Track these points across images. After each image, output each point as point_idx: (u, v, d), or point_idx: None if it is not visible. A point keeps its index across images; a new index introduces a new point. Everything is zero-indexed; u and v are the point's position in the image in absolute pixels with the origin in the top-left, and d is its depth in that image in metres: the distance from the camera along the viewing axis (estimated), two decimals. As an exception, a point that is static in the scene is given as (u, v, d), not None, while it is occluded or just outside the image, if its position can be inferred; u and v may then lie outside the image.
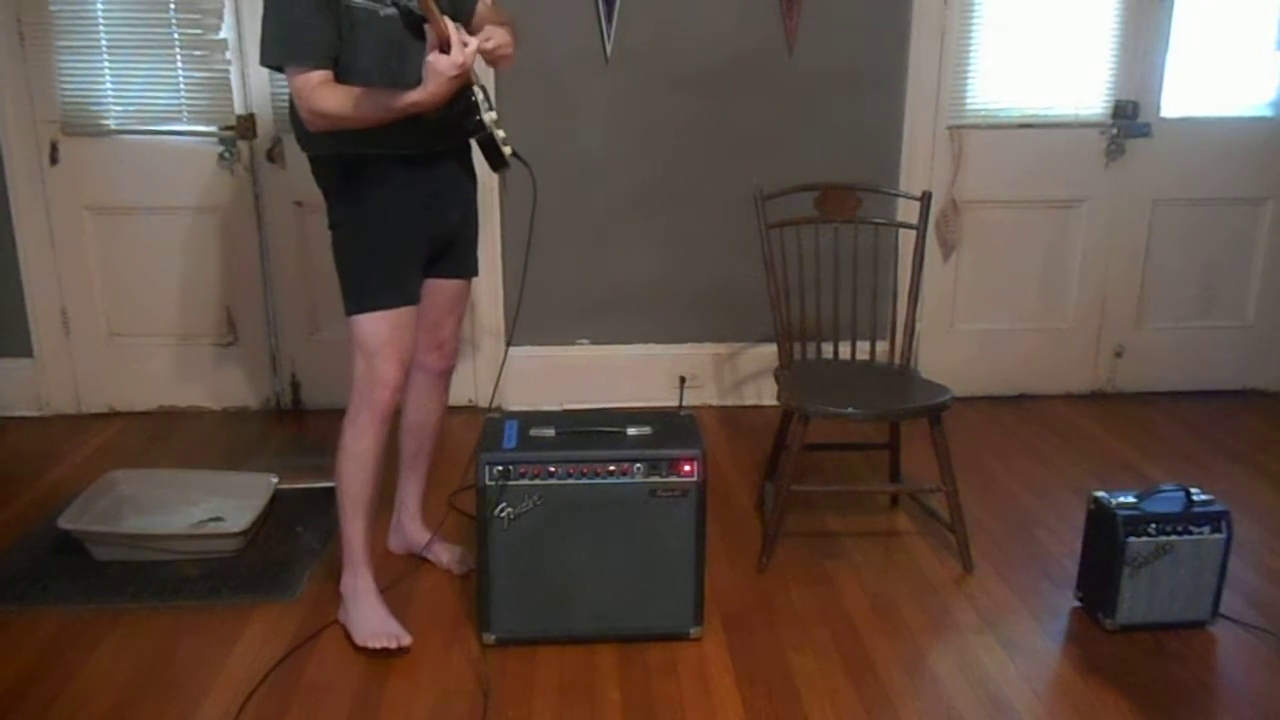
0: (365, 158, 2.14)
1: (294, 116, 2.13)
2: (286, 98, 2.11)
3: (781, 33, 3.45)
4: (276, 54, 2.02)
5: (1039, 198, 3.69)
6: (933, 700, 2.09)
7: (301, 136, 2.16)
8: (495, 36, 2.11)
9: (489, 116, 2.10)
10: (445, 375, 2.52)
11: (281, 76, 2.04)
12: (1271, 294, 3.82)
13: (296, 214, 3.49)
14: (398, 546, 2.65)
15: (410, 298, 2.25)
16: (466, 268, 2.44)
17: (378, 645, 2.20)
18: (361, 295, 2.21)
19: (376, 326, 2.20)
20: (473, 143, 2.18)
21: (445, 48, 1.88)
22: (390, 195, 2.17)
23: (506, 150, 2.14)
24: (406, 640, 2.21)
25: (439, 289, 2.39)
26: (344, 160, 2.15)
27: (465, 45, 1.89)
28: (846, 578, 2.56)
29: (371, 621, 2.25)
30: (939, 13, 3.46)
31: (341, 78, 2.03)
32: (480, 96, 2.08)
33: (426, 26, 1.88)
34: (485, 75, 2.29)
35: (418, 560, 2.59)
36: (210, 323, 3.60)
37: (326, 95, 1.99)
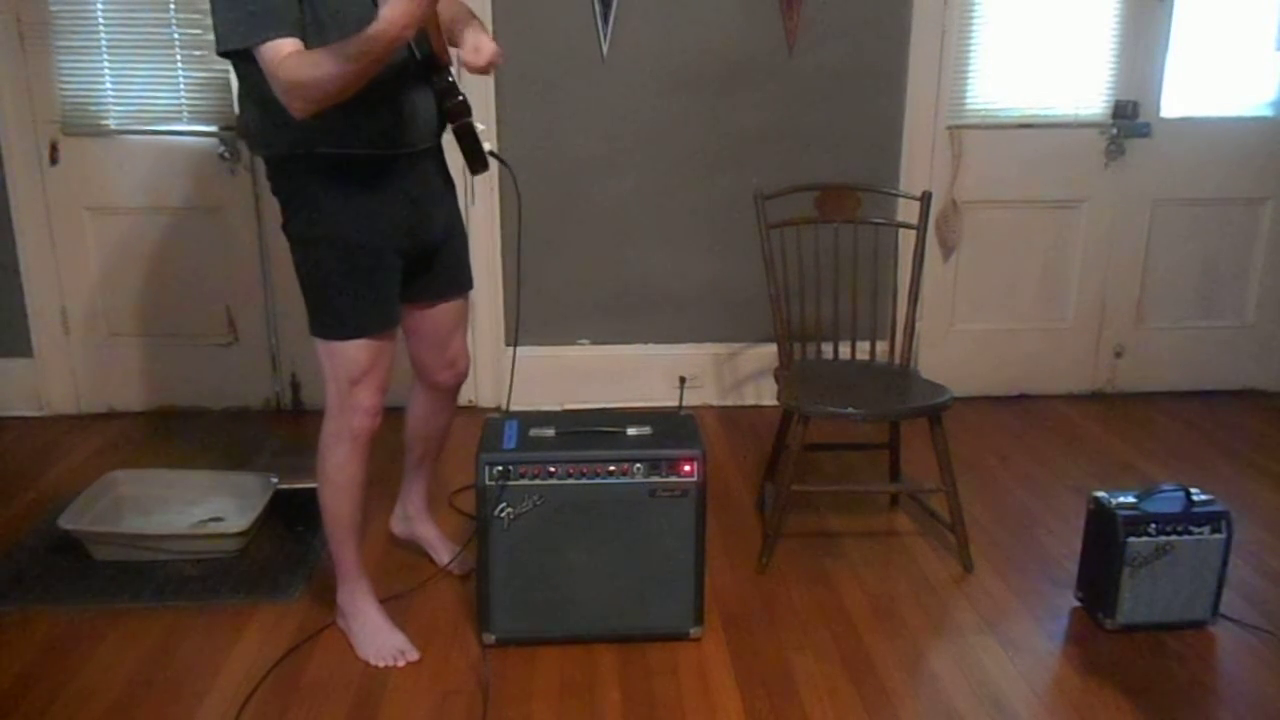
0: (333, 159, 1.95)
1: (243, 114, 1.95)
2: None
3: (781, 33, 3.44)
4: (245, 32, 1.80)
5: (1039, 198, 3.68)
6: (933, 700, 2.09)
7: (254, 135, 1.97)
8: (485, 50, 1.98)
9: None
10: (457, 390, 2.44)
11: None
12: (1271, 294, 3.82)
13: (296, 214, 3.49)
14: (402, 532, 2.64)
15: (393, 320, 2.10)
16: (462, 282, 2.32)
17: (384, 664, 2.18)
18: (338, 320, 2.03)
19: (356, 355, 2.05)
20: (448, 142, 2.06)
21: None
22: (366, 202, 1.99)
23: (486, 145, 2.03)
24: (414, 656, 2.20)
25: (442, 311, 2.29)
26: (309, 161, 1.95)
27: None
28: (846, 578, 2.56)
29: (376, 639, 2.22)
30: (939, 13, 3.46)
31: None
32: (456, 79, 1.98)
33: None
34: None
35: (418, 559, 2.59)
36: (210, 323, 3.60)
37: (297, 64, 1.78)
